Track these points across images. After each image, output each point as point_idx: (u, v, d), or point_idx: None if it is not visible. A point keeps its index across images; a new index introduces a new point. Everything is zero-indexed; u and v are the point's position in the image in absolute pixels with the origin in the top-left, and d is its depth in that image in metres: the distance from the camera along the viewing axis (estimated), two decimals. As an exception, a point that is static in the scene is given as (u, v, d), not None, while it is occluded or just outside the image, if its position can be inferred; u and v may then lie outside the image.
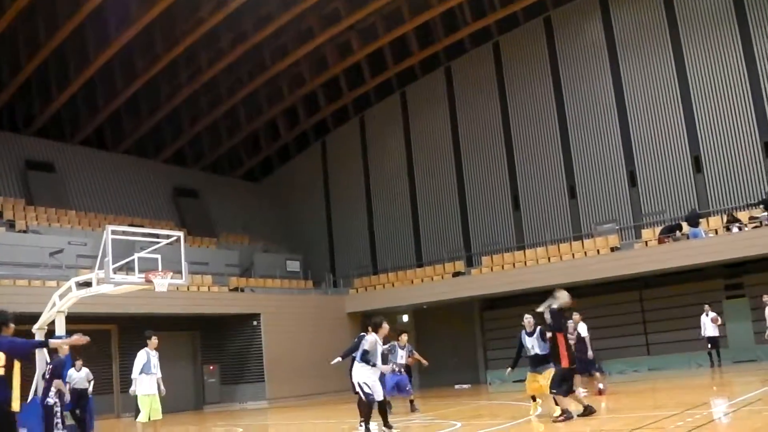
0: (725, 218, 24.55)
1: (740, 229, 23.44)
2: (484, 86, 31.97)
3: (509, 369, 13.24)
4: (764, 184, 25.47)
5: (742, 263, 24.06)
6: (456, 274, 29.23)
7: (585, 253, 26.76)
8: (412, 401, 16.46)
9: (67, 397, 15.55)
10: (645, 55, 28.28)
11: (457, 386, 26.84)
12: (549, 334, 12.13)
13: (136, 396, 12.70)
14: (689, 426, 9.68)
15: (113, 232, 15.99)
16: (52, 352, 16.13)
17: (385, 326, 11.61)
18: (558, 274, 25.24)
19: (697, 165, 26.97)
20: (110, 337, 24.78)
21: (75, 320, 17.62)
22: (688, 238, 24.12)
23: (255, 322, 26.87)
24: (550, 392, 11.79)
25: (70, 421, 16.61)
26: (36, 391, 16.87)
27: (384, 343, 12.46)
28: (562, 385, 11.70)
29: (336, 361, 14.92)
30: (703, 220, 25.02)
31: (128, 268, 17.25)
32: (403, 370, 16.48)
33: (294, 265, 32.09)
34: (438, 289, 28.37)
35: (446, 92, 33.17)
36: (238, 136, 35.24)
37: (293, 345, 26.90)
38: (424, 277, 30.13)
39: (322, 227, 36.34)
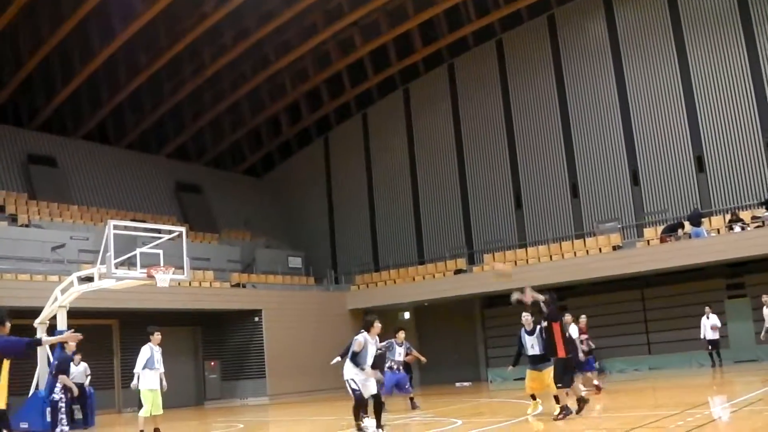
0: (728, 218, 24.52)
1: (743, 228, 23.42)
2: (487, 84, 31.94)
3: (510, 367, 13.33)
4: (767, 183, 25.45)
5: (744, 263, 24.04)
6: (458, 272, 29.23)
7: (587, 251, 26.76)
8: (412, 399, 16.46)
9: (75, 391, 15.62)
10: (648, 54, 28.24)
11: (458, 384, 26.85)
12: (544, 324, 12.14)
13: (139, 390, 12.72)
14: (689, 425, 9.68)
15: (115, 227, 16.03)
16: (58, 347, 16.18)
17: (377, 325, 11.41)
18: (559, 273, 25.30)
19: (700, 164, 26.94)
20: (111, 332, 24.80)
21: (76, 315, 17.67)
22: (690, 237, 24.11)
23: (256, 318, 26.87)
24: (557, 387, 11.82)
25: (78, 416, 16.69)
26: (37, 385, 16.94)
27: (381, 341, 12.45)
28: (565, 377, 11.76)
29: (335, 360, 14.94)
30: (705, 220, 24.99)
31: (130, 263, 17.30)
32: (401, 368, 16.47)
33: (296, 262, 32.11)
34: (439, 287, 28.37)
35: (449, 89, 33.14)
36: (240, 131, 35.27)
37: (294, 341, 26.90)
38: (426, 275, 30.12)
39: (324, 224, 36.35)
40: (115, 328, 24.86)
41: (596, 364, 17.57)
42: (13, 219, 25.17)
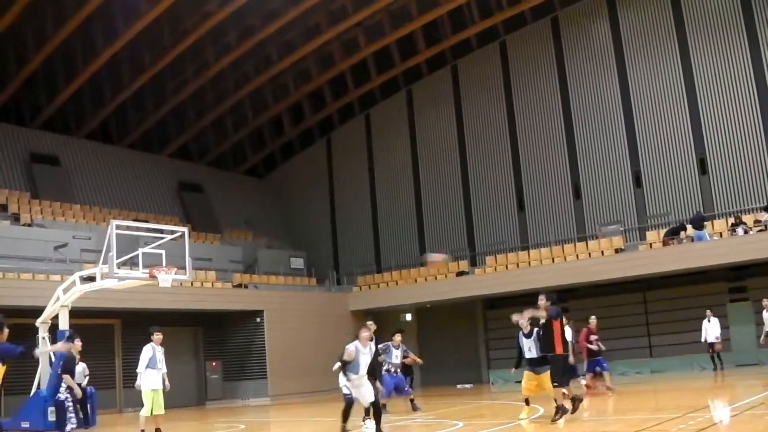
0: (731, 221, 24.48)
1: (745, 232, 23.38)
2: (491, 85, 31.93)
3: (513, 369, 13.44)
4: (770, 187, 25.44)
5: (747, 266, 24.01)
6: (460, 274, 29.20)
7: (589, 254, 26.72)
8: (412, 400, 16.44)
9: (77, 392, 15.61)
10: (651, 56, 28.21)
11: (459, 386, 26.82)
12: (543, 320, 12.14)
13: (141, 390, 12.74)
14: (691, 429, 9.67)
15: (118, 227, 16.01)
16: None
17: (364, 334, 11.37)
18: (562, 275, 25.29)
19: (703, 167, 26.90)
20: (113, 332, 24.79)
21: (78, 314, 17.67)
22: (692, 240, 24.08)
23: (258, 319, 26.87)
24: (553, 387, 11.81)
25: (79, 415, 16.66)
26: (39, 384, 16.93)
27: (379, 343, 12.50)
28: (563, 377, 11.77)
29: (337, 366, 14.95)
30: (707, 223, 24.94)
31: (132, 263, 17.30)
32: (399, 370, 16.49)
33: (298, 262, 32.11)
34: (441, 288, 28.35)
35: (452, 91, 33.13)
36: (243, 131, 35.29)
37: (296, 342, 26.89)
38: (428, 276, 30.11)
39: (326, 224, 36.35)
40: (117, 328, 24.85)
41: (606, 365, 17.55)
42: (15, 218, 25.19)
